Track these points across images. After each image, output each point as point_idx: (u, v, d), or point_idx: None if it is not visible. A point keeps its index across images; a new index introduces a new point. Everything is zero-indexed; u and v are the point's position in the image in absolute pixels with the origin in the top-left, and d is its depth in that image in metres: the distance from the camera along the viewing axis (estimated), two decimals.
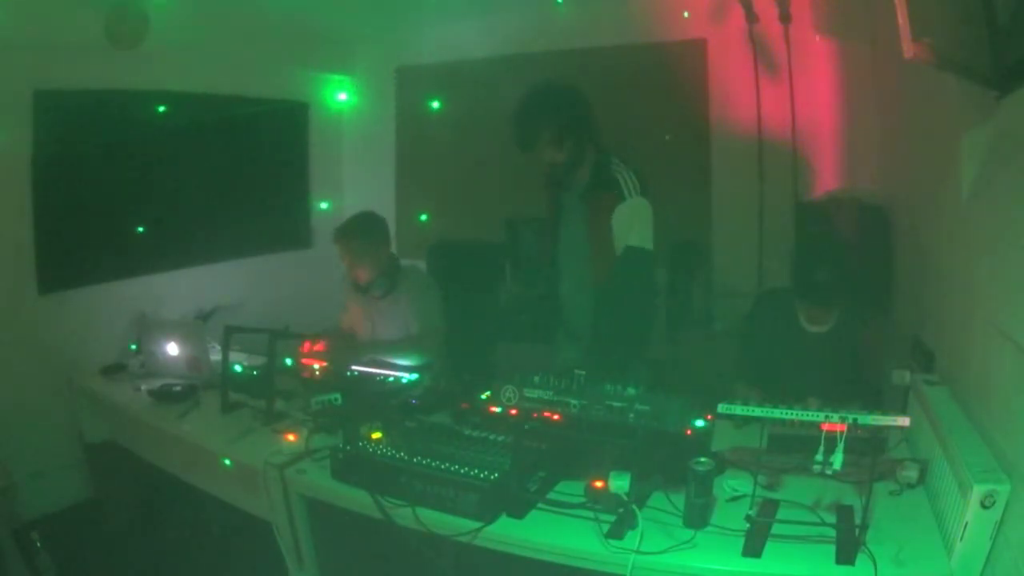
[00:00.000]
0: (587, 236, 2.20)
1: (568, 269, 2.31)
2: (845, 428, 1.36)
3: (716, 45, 3.53)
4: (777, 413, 1.42)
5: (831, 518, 1.42)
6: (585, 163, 2.18)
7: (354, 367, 2.36)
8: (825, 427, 1.37)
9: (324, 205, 4.31)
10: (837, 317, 2.03)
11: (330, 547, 1.89)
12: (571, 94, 2.15)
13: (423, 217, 4.26)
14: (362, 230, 2.51)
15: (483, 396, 1.85)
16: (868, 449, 1.42)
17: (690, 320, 3.36)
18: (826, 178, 3.41)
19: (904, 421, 1.37)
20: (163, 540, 2.66)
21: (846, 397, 1.51)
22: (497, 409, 1.73)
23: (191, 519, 2.59)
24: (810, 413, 1.39)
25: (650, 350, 2.28)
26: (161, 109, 3.27)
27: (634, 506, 1.44)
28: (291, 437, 1.89)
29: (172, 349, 2.61)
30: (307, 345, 2.44)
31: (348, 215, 2.65)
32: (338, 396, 2.02)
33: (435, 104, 4.15)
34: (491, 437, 1.74)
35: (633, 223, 2.12)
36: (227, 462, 1.99)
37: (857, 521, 1.35)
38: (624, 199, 2.11)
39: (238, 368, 2.35)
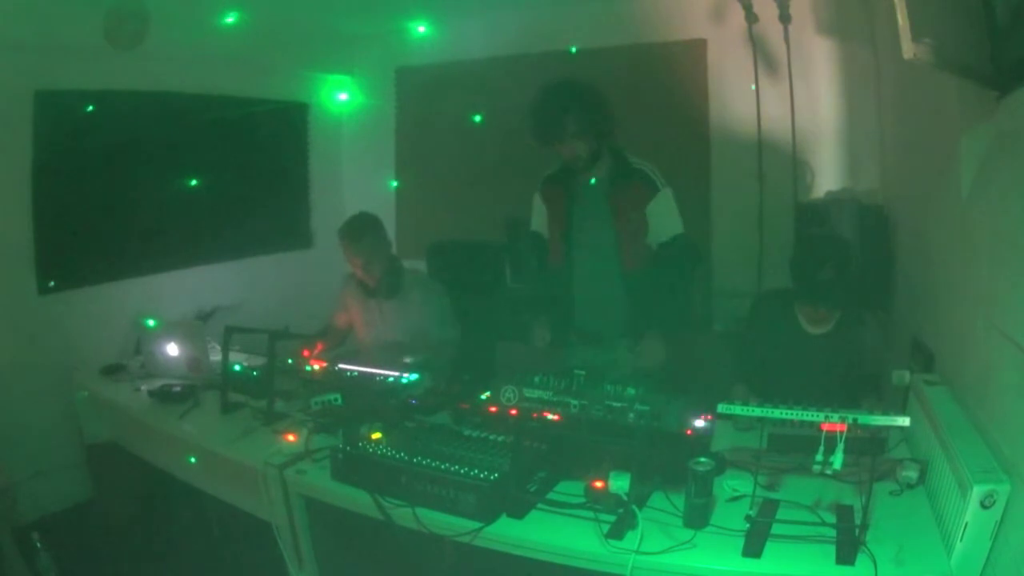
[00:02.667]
0: (615, 229, 2.21)
1: (587, 266, 2.29)
2: (845, 428, 1.36)
3: (716, 45, 3.53)
4: (777, 413, 1.42)
5: (831, 518, 1.43)
6: (603, 159, 2.20)
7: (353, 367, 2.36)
8: (825, 427, 1.37)
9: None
10: (837, 318, 2.03)
11: (330, 547, 1.89)
12: (595, 89, 2.17)
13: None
14: (367, 228, 2.51)
15: (483, 396, 1.85)
16: (868, 449, 1.42)
17: (691, 321, 3.35)
18: (826, 178, 3.41)
19: (904, 421, 1.37)
20: (163, 541, 2.66)
21: (847, 398, 1.51)
22: (497, 409, 1.73)
23: (191, 519, 2.59)
24: (810, 413, 1.39)
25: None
26: (161, 109, 3.26)
27: (634, 506, 1.44)
28: (291, 437, 1.89)
29: (172, 349, 2.60)
30: (306, 352, 2.44)
31: (349, 216, 2.64)
32: (338, 396, 2.02)
33: (435, 104, 4.14)
34: (491, 437, 1.75)
35: (671, 211, 2.20)
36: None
37: (857, 521, 1.36)
38: (659, 189, 2.18)
39: (238, 368, 2.35)
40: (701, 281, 3.46)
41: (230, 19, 3.20)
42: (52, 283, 2.94)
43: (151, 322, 2.64)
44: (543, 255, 2.38)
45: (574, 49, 3.66)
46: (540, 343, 2.28)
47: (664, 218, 2.20)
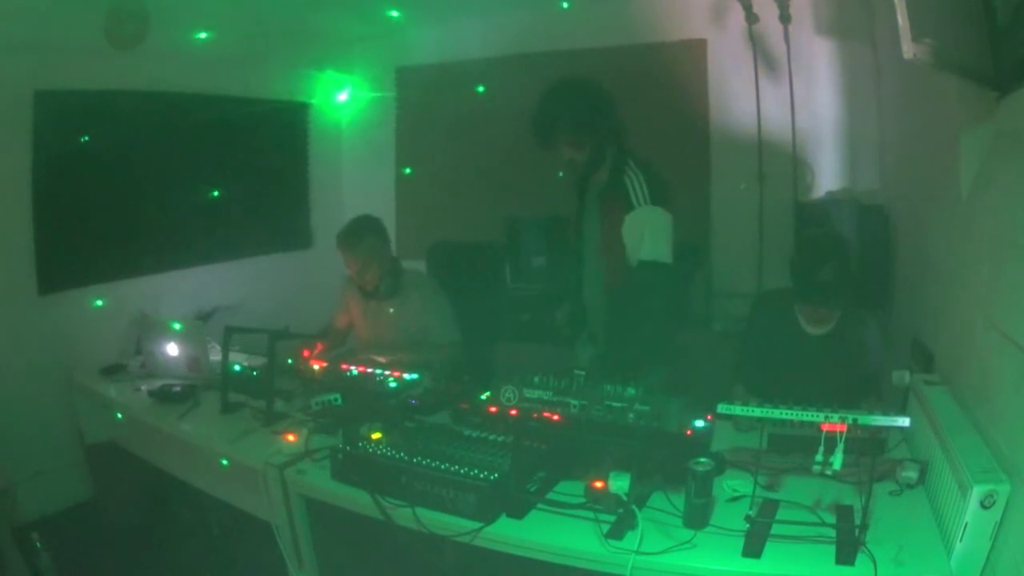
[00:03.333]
0: (600, 241, 2.16)
1: (587, 270, 2.28)
2: (845, 428, 1.36)
3: (716, 45, 3.53)
4: (777, 413, 1.42)
5: (831, 518, 1.42)
6: (605, 164, 2.11)
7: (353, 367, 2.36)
8: (825, 427, 1.37)
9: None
10: (837, 319, 2.02)
11: (330, 547, 1.89)
12: (594, 91, 2.08)
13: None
14: (366, 232, 2.50)
15: (483, 396, 1.85)
16: (868, 449, 1.42)
17: (690, 320, 3.35)
18: (826, 178, 3.42)
19: (904, 421, 1.37)
20: (163, 540, 2.66)
21: (847, 399, 1.51)
22: (497, 409, 1.72)
23: (191, 519, 2.59)
24: (810, 413, 1.39)
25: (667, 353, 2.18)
26: (161, 109, 3.26)
27: (634, 506, 1.44)
28: (291, 437, 1.89)
29: (172, 349, 2.60)
30: (306, 352, 2.44)
31: (349, 216, 2.64)
32: (338, 396, 2.02)
33: (433, 102, 4.14)
34: (491, 437, 1.75)
35: (644, 234, 2.02)
36: (224, 462, 1.98)
37: (857, 521, 1.35)
38: (632, 208, 2.02)
39: (238, 368, 2.35)
40: (701, 281, 3.46)
41: (227, 21, 3.21)
42: (52, 283, 2.93)
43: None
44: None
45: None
46: (559, 322, 2.27)
47: (633, 241, 2.03)
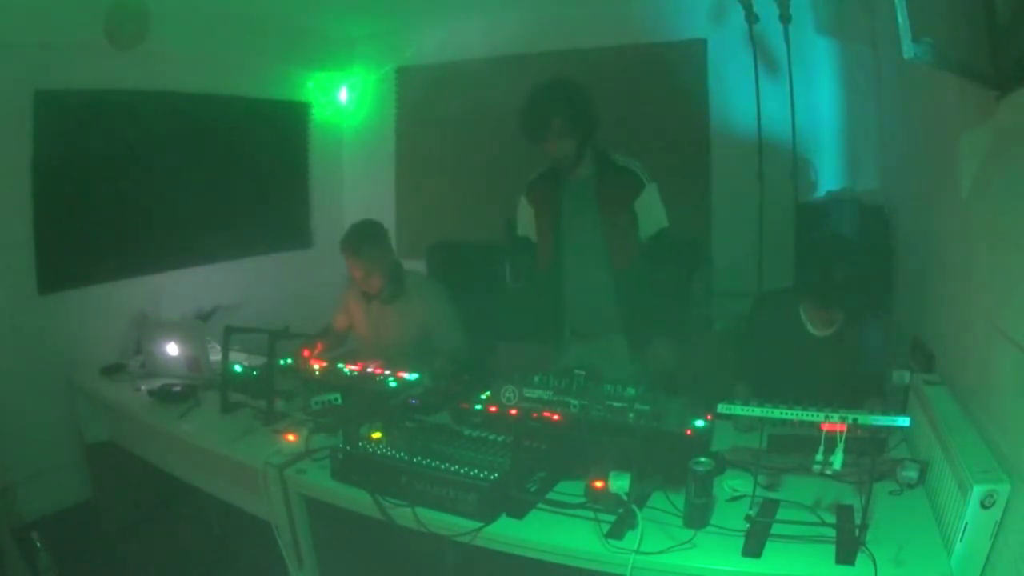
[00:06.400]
0: (602, 226, 2.22)
1: (578, 265, 2.29)
2: (845, 428, 1.36)
3: (716, 45, 3.54)
4: (777, 413, 1.42)
5: (831, 518, 1.42)
6: (587, 157, 2.22)
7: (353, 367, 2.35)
8: (825, 427, 1.37)
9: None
10: (843, 319, 2.01)
11: (330, 547, 1.89)
12: (580, 89, 2.20)
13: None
14: (369, 238, 2.48)
15: (483, 396, 1.85)
16: (868, 449, 1.42)
17: (690, 320, 3.35)
18: (826, 178, 3.42)
19: (904, 421, 1.37)
20: (163, 540, 2.66)
21: (851, 400, 1.51)
22: (497, 409, 1.73)
23: (191, 519, 2.59)
24: (810, 413, 1.39)
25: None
26: (161, 109, 3.26)
27: (634, 506, 1.44)
28: (291, 437, 1.88)
29: (172, 349, 2.60)
30: (307, 352, 2.44)
31: (349, 216, 2.64)
32: (338, 396, 2.02)
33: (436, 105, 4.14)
34: (491, 437, 1.75)
35: (657, 206, 2.24)
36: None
37: (857, 521, 1.35)
38: (645, 185, 2.21)
39: (238, 368, 2.35)
40: (701, 281, 3.46)
41: (227, 21, 3.21)
42: (52, 283, 2.93)
43: None
44: (533, 258, 2.37)
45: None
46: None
47: (651, 213, 2.24)
